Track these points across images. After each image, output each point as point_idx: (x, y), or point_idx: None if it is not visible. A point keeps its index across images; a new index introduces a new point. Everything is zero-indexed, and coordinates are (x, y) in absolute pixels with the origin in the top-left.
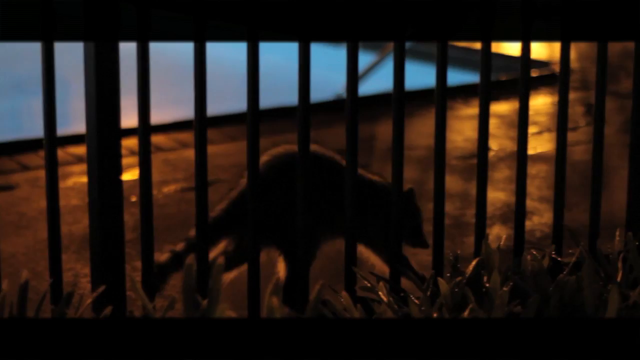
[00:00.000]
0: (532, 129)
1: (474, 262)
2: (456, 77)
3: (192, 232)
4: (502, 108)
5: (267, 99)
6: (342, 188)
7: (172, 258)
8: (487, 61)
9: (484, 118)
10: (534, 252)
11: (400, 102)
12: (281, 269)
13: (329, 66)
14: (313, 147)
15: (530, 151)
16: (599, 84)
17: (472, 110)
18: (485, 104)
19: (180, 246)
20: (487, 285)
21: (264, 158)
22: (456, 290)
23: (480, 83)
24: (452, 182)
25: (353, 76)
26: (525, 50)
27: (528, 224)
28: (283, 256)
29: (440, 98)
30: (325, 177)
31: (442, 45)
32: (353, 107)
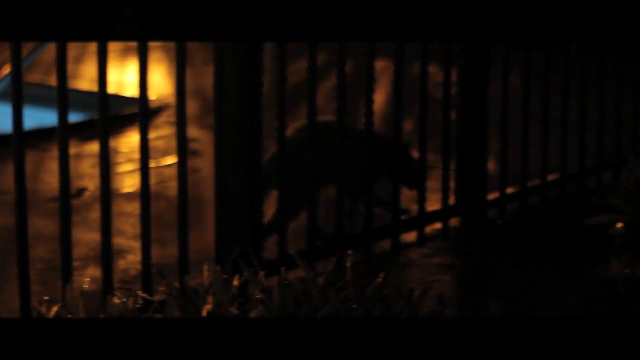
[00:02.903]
0: (129, 166)
1: (55, 308)
2: (32, 115)
3: None
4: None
5: None
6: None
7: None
8: (64, 100)
9: (63, 158)
10: (118, 293)
11: None
12: None
13: None
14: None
15: (127, 189)
16: (179, 115)
17: (70, 150)
18: (63, 142)
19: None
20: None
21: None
22: None
23: (58, 123)
24: (46, 225)
25: None
26: (102, 86)
27: (122, 262)
28: None
29: (17, 140)
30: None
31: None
32: None
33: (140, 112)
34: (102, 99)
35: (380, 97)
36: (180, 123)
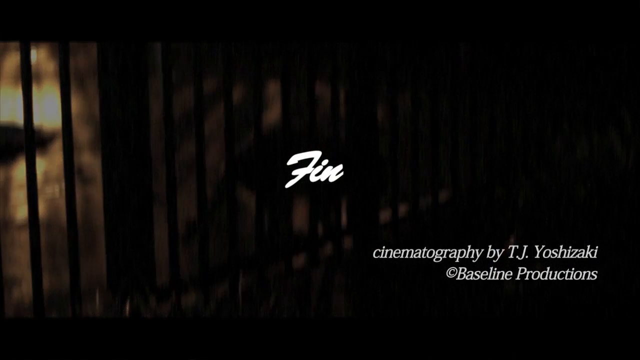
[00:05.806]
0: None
1: None
2: None
3: None
4: None
5: None
6: None
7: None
8: None
9: None
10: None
11: None
12: None
13: None
14: None
15: (24, 218)
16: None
17: None
18: None
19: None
20: None
21: None
22: None
23: None
24: None
25: None
26: None
27: (17, 291)
28: None
29: None
30: None
31: None
32: None
33: (26, 139)
34: None
35: None
36: (68, 150)
